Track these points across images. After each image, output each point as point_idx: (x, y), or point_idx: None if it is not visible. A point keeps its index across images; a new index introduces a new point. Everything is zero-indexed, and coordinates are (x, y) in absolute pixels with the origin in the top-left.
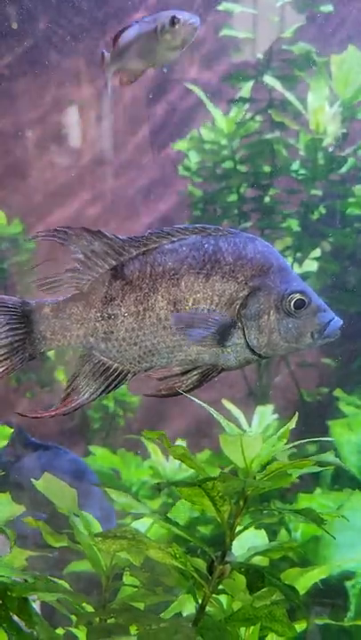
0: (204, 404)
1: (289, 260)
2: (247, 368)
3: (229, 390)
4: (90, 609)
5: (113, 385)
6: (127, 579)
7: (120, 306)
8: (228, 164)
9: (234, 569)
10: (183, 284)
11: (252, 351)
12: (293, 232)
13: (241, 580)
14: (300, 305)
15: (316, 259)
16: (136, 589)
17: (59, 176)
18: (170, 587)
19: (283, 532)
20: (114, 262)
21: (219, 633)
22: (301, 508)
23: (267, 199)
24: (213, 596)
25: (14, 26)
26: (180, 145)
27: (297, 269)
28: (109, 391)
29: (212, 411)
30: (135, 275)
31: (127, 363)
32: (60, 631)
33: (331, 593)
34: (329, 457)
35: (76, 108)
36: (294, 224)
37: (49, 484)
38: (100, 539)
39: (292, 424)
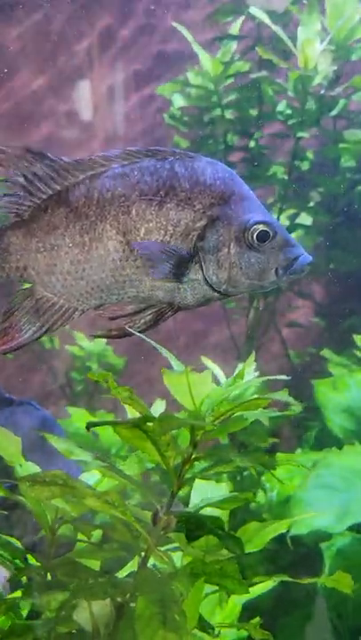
0: (147, 338)
1: (275, 212)
2: (237, 332)
3: (222, 356)
4: None
5: (58, 323)
6: (80, 535)
7: (64, 235)
8: (215, 112)
9: (180, 521)
10: (134, 211)
11: (212, 288)
12: (278, 179)
13: None
14: (263, 237)
15: (306, 210)
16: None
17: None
18: (119, 542)
19: (260, 493)
20: (58, 187)
21: (158, 587)
22: (250, 451)
23: (252, 144)
24: (165, 552)
25: None
26: (164, 89)
27: (285, 222)
28: (55, 329)
29: (156, 345)
30: (81, 201)
31: (73, 299)
32: (17, 593)
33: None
34: (283, 395)
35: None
36: (280, 171)
37: None
38: (28, 483)
39: (251, 361)
